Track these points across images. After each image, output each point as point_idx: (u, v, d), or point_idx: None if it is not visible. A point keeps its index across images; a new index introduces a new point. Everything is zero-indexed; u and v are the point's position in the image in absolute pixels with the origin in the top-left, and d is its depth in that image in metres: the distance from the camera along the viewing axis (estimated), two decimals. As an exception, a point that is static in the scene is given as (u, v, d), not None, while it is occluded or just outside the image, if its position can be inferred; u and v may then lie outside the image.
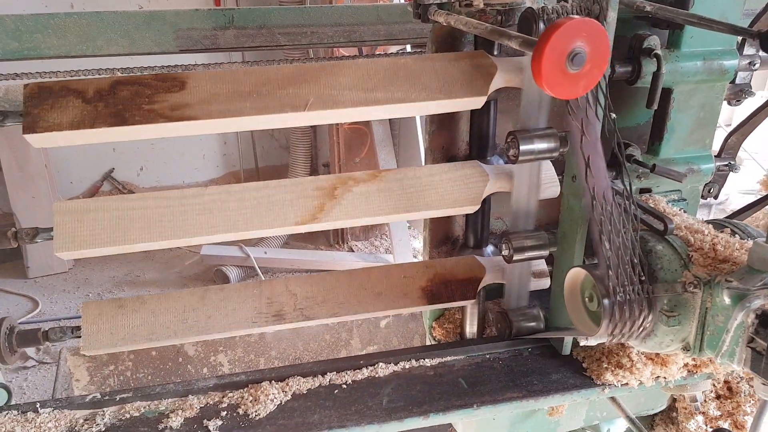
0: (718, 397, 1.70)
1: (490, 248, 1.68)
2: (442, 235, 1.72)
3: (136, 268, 4.96)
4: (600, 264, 1.15)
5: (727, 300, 1.06)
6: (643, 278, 1.14)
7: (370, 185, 1.37)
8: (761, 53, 1.51)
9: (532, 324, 1.53)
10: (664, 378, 1.36)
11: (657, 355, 1.34)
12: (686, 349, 1.18)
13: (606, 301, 1.12)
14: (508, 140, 1.35)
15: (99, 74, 1.71)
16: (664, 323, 1.15)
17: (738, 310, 1.03)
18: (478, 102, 1.32)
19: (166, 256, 5.09)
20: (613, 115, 1.16)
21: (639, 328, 1.15)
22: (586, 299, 1.23)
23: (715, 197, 1.61)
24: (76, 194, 5.48)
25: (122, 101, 1.13)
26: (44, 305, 4.57)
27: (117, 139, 1.15)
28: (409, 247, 4.59)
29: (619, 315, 1.12)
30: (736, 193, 5.42)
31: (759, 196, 1.77)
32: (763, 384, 1.04)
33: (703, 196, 1.58)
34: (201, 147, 5.76)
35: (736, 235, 1.25)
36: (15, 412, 1.31)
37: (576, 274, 1.24)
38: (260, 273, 4.50)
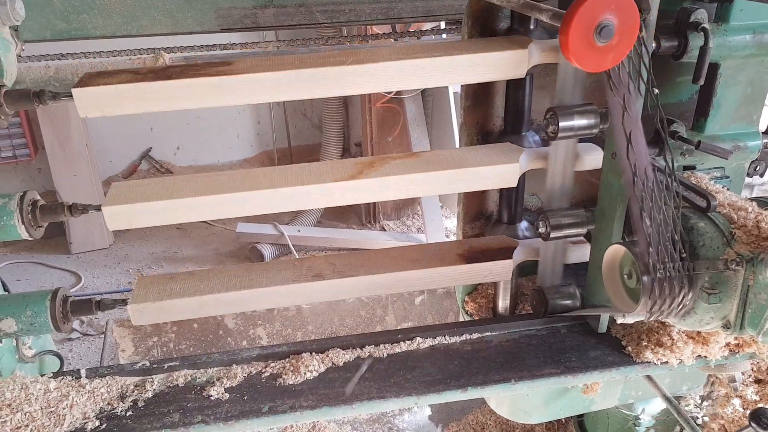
0: (757, 381, 1.68)
1: (524, 224, 1.68)
2: (475, 211, 1.73)
3: (174, 245, 5.08)
4: (640, 241, 1.14)
5: None
6: (684, 255, 1.13)
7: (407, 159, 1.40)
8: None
9: (568, 302, 1.53)
10: (705, 357, 1.35)
11: (698, 333, 1.33)
12: (726, 327, 1.17)
13: (645, 278, 1.12)
14: (548, 116, 1.33)
15: (142, 54, 1.75)
16: (705, 301, 1.14)
17: None
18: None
19: (203, 233, 5.20)
20: (656, 91, 1.14)
21: (678, 306, 1.15)
22: (625, 276, 1.23)
23: (761, 175, 1.58)
24: (116, 173, 5.62)
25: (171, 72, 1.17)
26: (87, 280, 4.73)
27: (159, 101, 1.16)
28: (442, 226, 4.59)
29: (658, 292, 1.12)
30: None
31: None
32: None
33: (748, 174, 1.55)
34: (235, 127, 5.83)
35: None
36: (69, 378, 1.38)
37: (615, 250, 1.24)
38: (294, 250, 4.57)
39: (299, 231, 4.70)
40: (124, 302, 1.41)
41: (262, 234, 4.65)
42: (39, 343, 1.60)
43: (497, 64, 1.28)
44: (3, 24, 1.30)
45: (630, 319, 1.25)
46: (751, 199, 1.29)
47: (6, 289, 1.55)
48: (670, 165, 1.14)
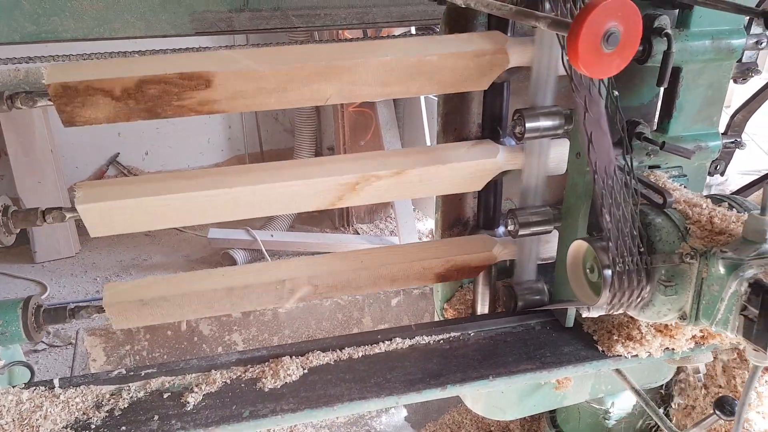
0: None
1: (501, 229, 1.71)
2: (453, 217, 1.75)
3: (143, 252, 4.99)
4: (602, 236, 1.18)
5: (722, 270, 1.10)
6: (642, 250, 1.17)
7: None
8: (768, 32, 1.53)
9: (537, 297, 1.58)
10: (672, 349, 1.40)
11: (666, 326, 1.38)
12: (683, 318, 1.22)
13: (606, 272, 1.17)
14: (515, 118, 1.39)
15: (114, 57, 1.73)
16: (662, 293, 1.19)
17: (732, 280, 1.07)
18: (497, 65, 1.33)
19: (173, 239, 5.12)
20: (616, 93, 1.19)
21: (637, 298, 1.20)
22: (588, 270, 1.27)
23: (722, 174, 1.64)
24: (82, 179, 5.49)
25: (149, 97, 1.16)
26: (52, 289, 4.61)
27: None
28: (415, 229, 4.62)
29: (618, 285, 1.17)
30: (735, 173, 5.44)
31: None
32: (755, 350, 1.08)
33: (710, 173, 1.61)
34: (206, 131, 5.77)
35: (734, 209, 1.28)
36: (42, 388, 1.35)
37: (578, 246, 1.28)
38: (267, 256, 4.54)
39: (272, 236, 4.68)
40: (99, 310, 1.39)
41: (235, 239, 4.62)
42: (8, 353, 1.57)
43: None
44: (-30, 27, 1.28)
45: (594, 313, 1.29)
46: (707, 196, 1.34)
47: (-25, 299, 1.51)
48: (629, 163, 1.19)
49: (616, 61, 0.96)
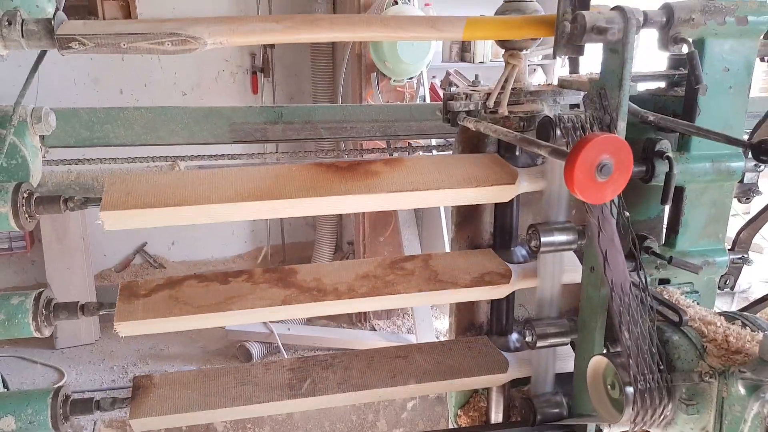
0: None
1: (514, 335, 1.73)
2: (467, 322, 1.78)
3: (161, 342, 5.02)
4: (621, 353, 1.20)
5: (742, 390, 1.10)
6: (662, 367, 1.19)
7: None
8: (765, 157, 1.60)
9: (556, 410, 1.56)
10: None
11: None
12: None
13: (629, 389, 1.17)
14: (530, 232, 1.45)
15: (156, 161, 1.89)
16: (684, 412, 1.18)
17: (753, 401, 1.07)
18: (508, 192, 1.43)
19: (191, 330, 5.15)
20: (627, 213, 1.25)
21: (660, 416, 1.19)
22: (609, 387, 1.28)
23: (732, 288, 1.67)
24: (109, 266, 5.65)
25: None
26: (69, 376, 4.62)
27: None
28: (432, 327, 4.60)
29: (641, 403, 1.17)
30: (758, 282, 5.39)
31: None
32: None
33: (719, 287, 1.64)
34: (231, 224, 5.95)
35: (747, 327, 1.30)
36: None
37: (598, 362, 1.29)
38: (283, 350, 4.53)
39: (289, 329, 4.69)
40: (123, 402, 1.43)
41: (251, 332, 4.64)
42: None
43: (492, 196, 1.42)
44: (35, 134, 1.44)
45: (616, 430, 1.28)
46: (719, 314, 1.37)
47: (5, 386, 1.55)
48: (644, 281, 1.23)
49: (610, 188, 1.04)
